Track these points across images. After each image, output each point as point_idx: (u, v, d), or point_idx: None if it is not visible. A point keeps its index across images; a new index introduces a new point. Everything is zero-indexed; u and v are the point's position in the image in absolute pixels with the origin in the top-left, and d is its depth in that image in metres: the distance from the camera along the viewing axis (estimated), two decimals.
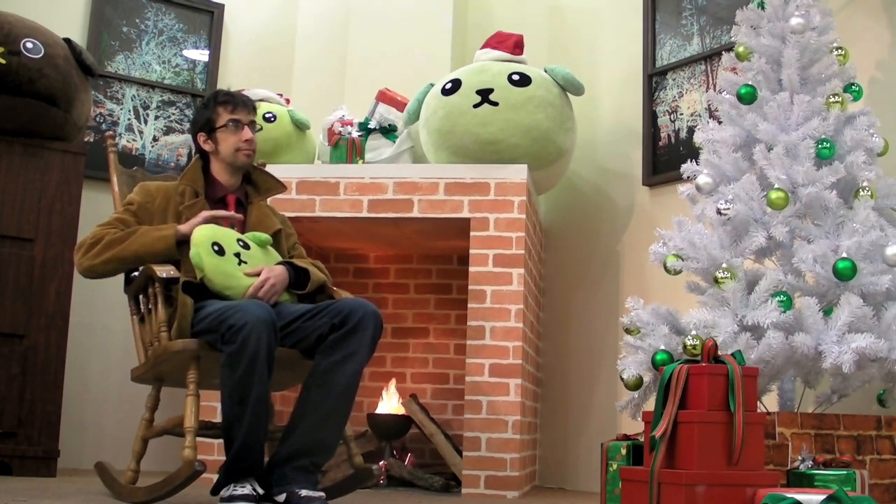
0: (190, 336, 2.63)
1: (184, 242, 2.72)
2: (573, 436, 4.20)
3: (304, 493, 2.45)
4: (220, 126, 2.90)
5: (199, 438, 2.62)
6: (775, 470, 2.53)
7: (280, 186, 3.07)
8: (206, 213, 2.75)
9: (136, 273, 2.85)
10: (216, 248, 2.68)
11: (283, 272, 2.77)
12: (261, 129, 3.04)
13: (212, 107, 2.92)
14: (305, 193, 3.80)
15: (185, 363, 2.61)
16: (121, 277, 2.91)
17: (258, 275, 2.71)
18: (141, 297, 2.84)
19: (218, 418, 2.67)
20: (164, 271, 2.65)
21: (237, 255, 2.72)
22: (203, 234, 2.69)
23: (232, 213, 2.83)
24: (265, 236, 2.85)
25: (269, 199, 3.19)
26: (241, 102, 2.93)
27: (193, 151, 3.04)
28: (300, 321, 2.66)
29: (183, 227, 2.73)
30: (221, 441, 2.55)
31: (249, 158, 2.94)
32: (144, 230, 2.76)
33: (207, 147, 2.93)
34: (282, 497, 2.47)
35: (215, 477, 2.54)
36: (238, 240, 2.77)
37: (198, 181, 2.91)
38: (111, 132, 3.21)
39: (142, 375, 2.82)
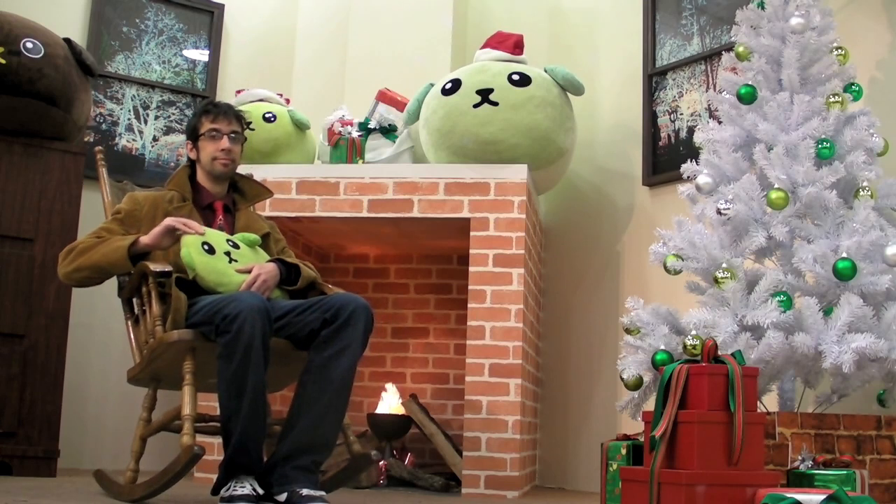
0: (185, 325, 2.64)
1: (143, 254, 2.74)
2: (573, 436, 4.20)
3: (305, 492, 2.45)
4: (202, 134, 2.96)
5: (197, 435, 2.61)
6: (775, 470, 2.53)
7: (266, 192, 3.13)
8: (168, 221, 2.73)
9: (125, 277, 2.88)
10: (206, 247, 2.72)
11: (273, 269, 2.81)
12: (245, 139, 3.06)
13: (198, 115, 2.99)
14: (305, 193, 3.80)
15: (181, 355, 2.62)
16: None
17: (249, 272, 2.75)
18: (135, 299, 2.86)
19: (215, 412, 2.67)
20: (157, 266, 2.68)
21: (227, 254, 2.76)
22: (193, 236, 2.73)
23: (195, 224, 2.75)
24: (254, 236, 2.91)
25: (266, 203, 3.22)
26: (222, 112, 2.97)
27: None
28: (291, 315, 2.69)
29: (144, 238, 2.75)
30: (220, 440, 2.55)
31: (226, 168, 2.97)
32: (111, 240, 2.78)
33: (192, 155, 3.01)
34: (283, 496, 2.47)
35: (215, 477, 2.53)
36: (227, 240, 2.81)
37: (185, 187, 2.97)
38: (101, 147, 3.22)
39: (137, 375, 2.82)
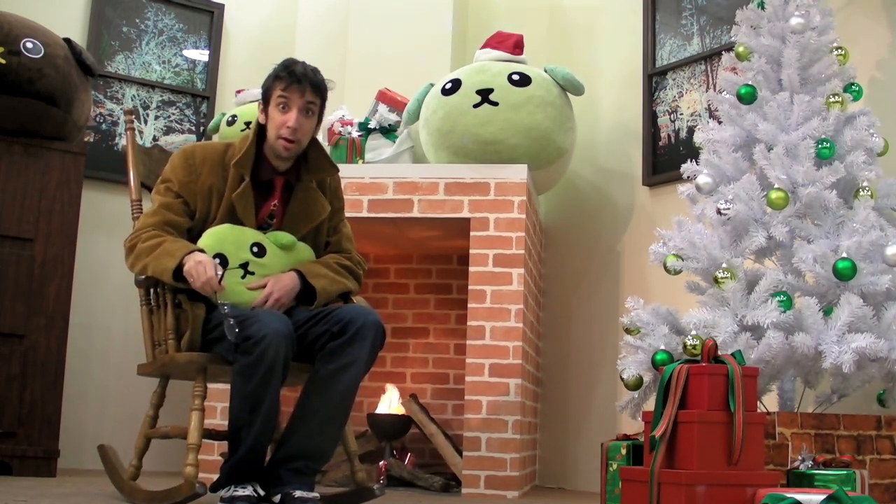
0: (202, 341, 2.56)
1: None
2: (573, 436, 4.20)
3: (297, 493, 2.43)
4: (271, 101, 2.66)
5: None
6: (775, 470, 2.53)
7: (332, 169, 2.79)
8: (197, 285, 2.46)
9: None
10: (218, 260, 2.53)
11: (289, 284, 2.63)
12: (323, 109, 2.70)
13: (272, 76, 2.66)
14: None
15: (192, 375, 2.58)
16: (123, 277, 2.89)
17: (263, 286, 2.59)
18: (152, 289, 2.69)
19: (220, 420, 2.65)
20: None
21: (244, 265, 2.59)
22: (208, 242, 2.58)
23: (216, 284, 2.46)
24: (288, 238, 2.68)
25: None
26: (296, 79, 2.61)
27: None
28: (306, 326, 2.60)
29: (187, 266, 2.47)
30: (222, 441, 2.54)
31: (288, 151, 2.65)
32: (163, 248, 2.54)
33: (262, 119, 2.70)
34: (277, 498, 2.46)
35: (215, 476, 2.53)
36: (253, 244, 2.62)
37: (246, 164, 2.65)
38: (131, 107, 3.08)
39: (149, 374, 2.78)
